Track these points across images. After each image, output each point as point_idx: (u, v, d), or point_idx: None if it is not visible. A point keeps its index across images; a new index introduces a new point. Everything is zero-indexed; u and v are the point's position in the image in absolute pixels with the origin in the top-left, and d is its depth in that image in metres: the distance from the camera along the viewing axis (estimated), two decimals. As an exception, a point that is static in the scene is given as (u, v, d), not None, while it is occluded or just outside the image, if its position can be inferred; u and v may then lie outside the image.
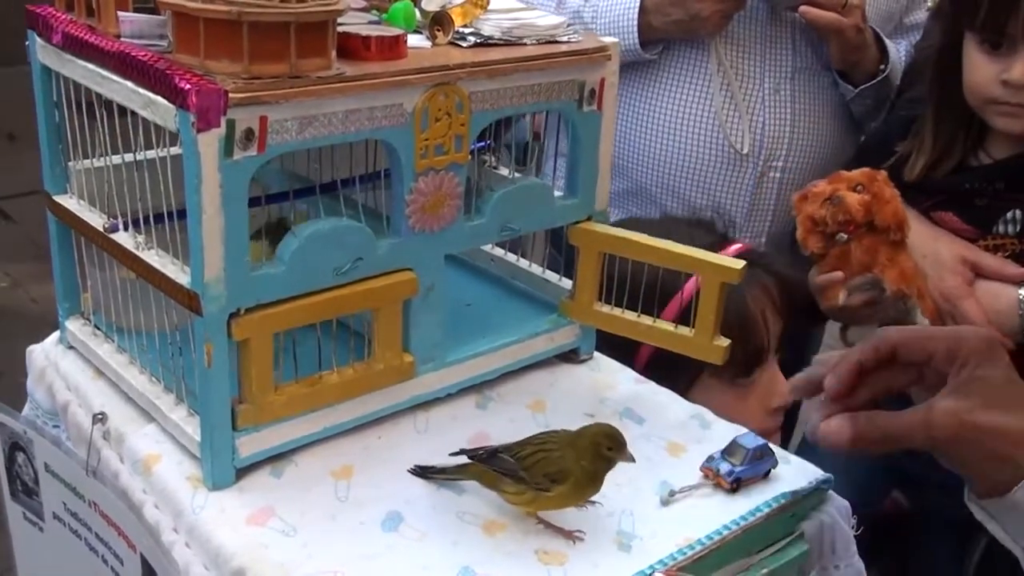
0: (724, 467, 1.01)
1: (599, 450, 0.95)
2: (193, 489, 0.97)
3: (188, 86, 0.84)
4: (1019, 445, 0.80)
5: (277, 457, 1.01)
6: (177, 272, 0.94)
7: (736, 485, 1.01)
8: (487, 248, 1.30)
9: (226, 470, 0.97)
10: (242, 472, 0.98)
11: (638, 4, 1.52)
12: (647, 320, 1.15)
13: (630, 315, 1.16)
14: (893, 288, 1.28)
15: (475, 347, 1.13)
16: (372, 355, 1.03)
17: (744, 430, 1.07)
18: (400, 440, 1.06)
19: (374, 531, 0.95)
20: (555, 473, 0.94)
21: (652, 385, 1.21)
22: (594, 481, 0.95)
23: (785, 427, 1.84)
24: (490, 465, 0.97)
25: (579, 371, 1.21)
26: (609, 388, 1.19)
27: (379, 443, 1.06)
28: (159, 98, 0.87)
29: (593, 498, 0.97)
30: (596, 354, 1.24)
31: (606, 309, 1.18)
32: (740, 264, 1.09)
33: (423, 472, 1.01)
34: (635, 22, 1.52)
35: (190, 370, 0.99)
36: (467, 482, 1.00)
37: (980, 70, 1.32)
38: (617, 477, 0.98)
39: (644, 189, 1.60)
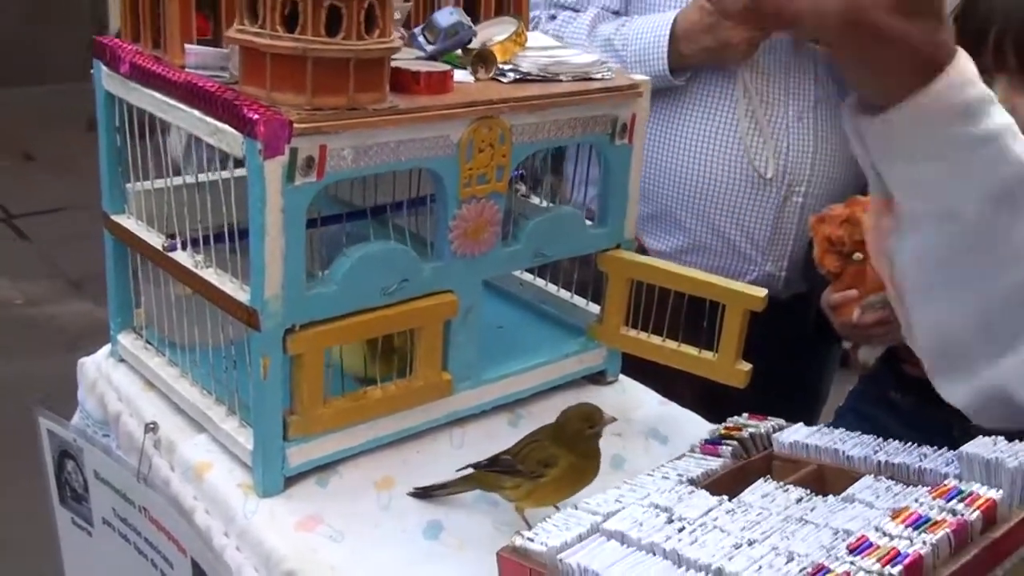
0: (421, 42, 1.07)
1: (582, 434, 1.01)
2: (244, 496, 1.02)
3: (256, 116, 0.90)
4: (906, 57, 0.75)
5: (322, 468, 1.06)
6: (236, 289, 0.99)
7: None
8: (516, 273, 1.36)
9: (276, 478, 1.02)
10: (290, 481, 1.03)
11: (668, 32, 1.58)
12: (672, 344, 1.21)
13: (655, 339, 1.22)
14: None
15: (508, 367, 1.18)
16: (413, 373, 1.09)
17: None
18: (437, 455, 1.12)
19: (416, 539, 1.00)
20: (547, 458, 1.00)
21: (675, 407, 1.26)
22: (589, 461, 1.01)
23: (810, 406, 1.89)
24: (490, 468, 1.03)
25: (606, 392, 1.27)
26: (634, 409, 1.25)
27: (418, 457, 1.11)
28: (226, 126, 0.93)
29: None
30: (621, 376, 1.30)
31: (632, 333, 1.23)
32: (762, 292, 1.15)
33: (424, 493, 1.06)
34: (665, 49, 1.58)
35: (243, 383, 1.04)
36: (496, 496, 1.05)
37: None
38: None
39: (669, 213, 1.66)
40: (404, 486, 1.06)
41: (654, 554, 0.79)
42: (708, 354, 1.18)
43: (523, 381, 1.20)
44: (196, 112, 0.97)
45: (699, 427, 1.22)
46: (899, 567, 0.70)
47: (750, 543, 0.78)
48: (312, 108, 0.93)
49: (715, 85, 1.62)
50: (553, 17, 1.74)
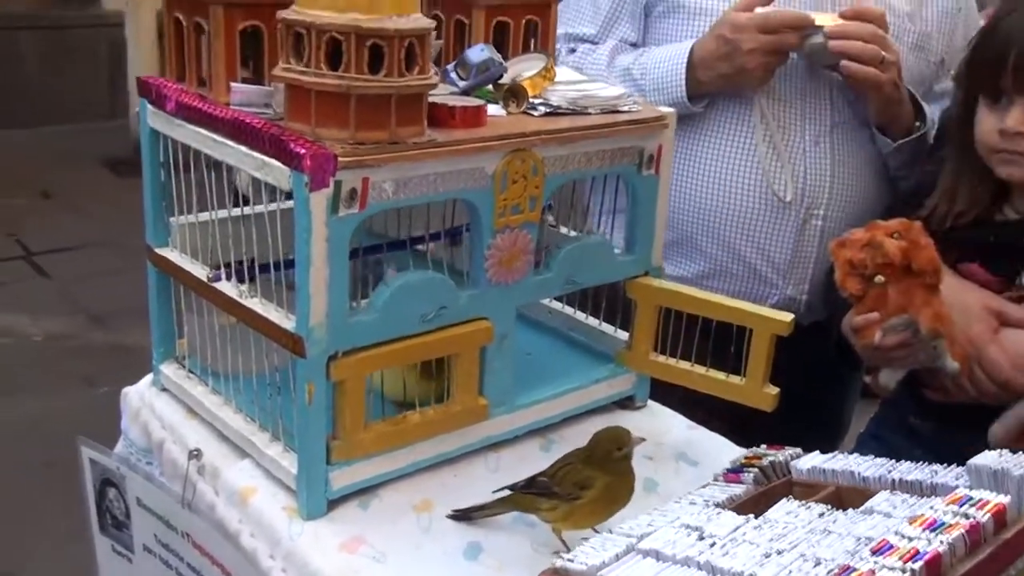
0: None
1: (611, 455, 1.04)
2: (288, 519, 1.05)
3: (303, 150, 0.94)
4: None
5: (363, 491, 1.09)
6: (281, 318, 1.03)
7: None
8: (545, 301, 1.39)
9: (320, 501, 1.05)
10: (333, 504, 1.06)
11: (686, 60, 1.62)
12: (700, 369, 1.24)
13: (684, 364, 1.25)
14: (928, 327, 1.35)
15: (540, 393, 1.21)
16: (450, 398, 1.12)
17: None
18: (474, 478, 1.14)
19: (457, 559, 1.03)
20: (583, 480, 1.03)
21: (704, 431, 1.29)
22: (623, 482, 1.03)
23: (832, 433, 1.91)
24: (527, 490, 1.06)
25: (635, 417, 1.30)
26: (664, 433, 1.27)
27: (455, 480, 1.14)
28: (274, 161, 0.97)
29: None
30: (650, 402, 1.33)
31: (661, 359, 1.26)
32: (789, 317, 1.18)
33: (463, 515, 1.08)
34: (683, 77, 1.62)
35: (286, 409, 1.07)
36: (533, 517, 1.07)
37: (983, 123, 1.45)
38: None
39: (690, 239, 1.69)
40: (443, 508, 1.09)
41: (688, 567, 0.82)
42: (736, 378, 1.21)
43: (555, 406, 1.23)
44: (243, 147, 1.01)
45: (728, 450, 1.25)
46: (920, 563, 0.73)
47: (779, 552, 0.82)
48: (355, 142, 0.97)
49: (732, 111, 1.66)
50: (573, 50, 1.78)
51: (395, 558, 1.01)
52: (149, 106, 1.16)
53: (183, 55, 1.13)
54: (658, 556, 0.85)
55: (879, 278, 1.34)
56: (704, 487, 1.04)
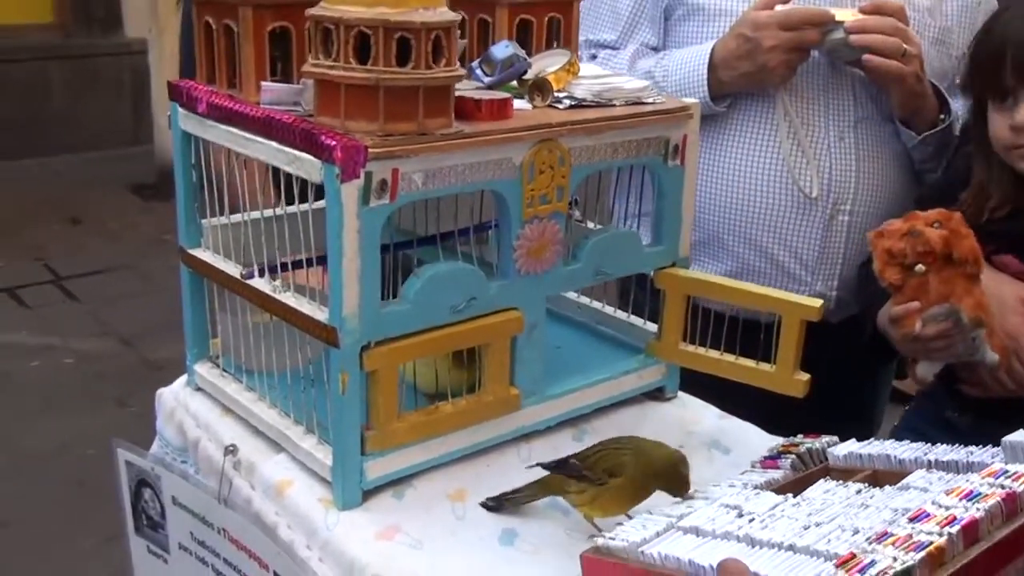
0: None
1: (653, 476, 1.02)
2: (325, 510, 1.06)
3: (334, 143, 0.96)
4: None
5: (397, 481, 1.10)
6: (314, 310, 1.04)
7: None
8: (573, 296, 1.40)
9: (355, 492, 1.06)
10: (368, 494, 1.07)
11: (707, 61, 1.63)
12: (729, 357, 1.24)
13: (713, 353, 1.25)
14: (970, 316, 1.34)
15: (572, 383, 1.22)
16: (482, 388, 1.13)
17: None
18: (507, 468, 1.15)
19: (493, 545, 1.03)
20: (612, 467, 1.03)
21: (735, 420, 1.29)
22: (646, 491, 1.03)
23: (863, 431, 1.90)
24: (559, 470, 1.06)
25: (666, 408, 1.30)
26: (695, 423, 1.28)
27: (488, 470, 1.14)
28: (305, 154, 0.99)
29: None
30: (680, 392, 1.33)
31: (691, 348, 1.26)
32: (818, 303, 1.18)
33: (497, 504, 1.09)
34: (705, 77, 1.63)
35: (320, 402, 1.08)
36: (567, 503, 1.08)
37: (994, 123, 1.47)
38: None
39: (717, 238, 1.70)
40: (477, 497, 1.10)
41: (727, 540, 0.83)
42: (766, 366, 1.21)
43: (586, 396, 1.23)
44: (274, 143, 1.03)
45: (760, 438, 1.25)
46: (957, 528, 0.73)
47: (817, 524, 0.82)
48: (384, 134, 0.98)
49: (755, 110, 1.67)
50: (594, 56, 1.80)
51: (431, 545, 1.02)
52: (180, 109, 1.18)
53: (213, 57, 1.15)
54: (698, 532, 0.86)
55: (920, 267, 1.34)
56: (743, 473, 1.05)
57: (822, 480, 0.94)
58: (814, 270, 1.69)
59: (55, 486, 3.25)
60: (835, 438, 1.11)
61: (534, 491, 1.08)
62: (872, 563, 0.71)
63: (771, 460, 1.06)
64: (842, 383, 1.66)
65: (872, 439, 1.09)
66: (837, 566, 0.72)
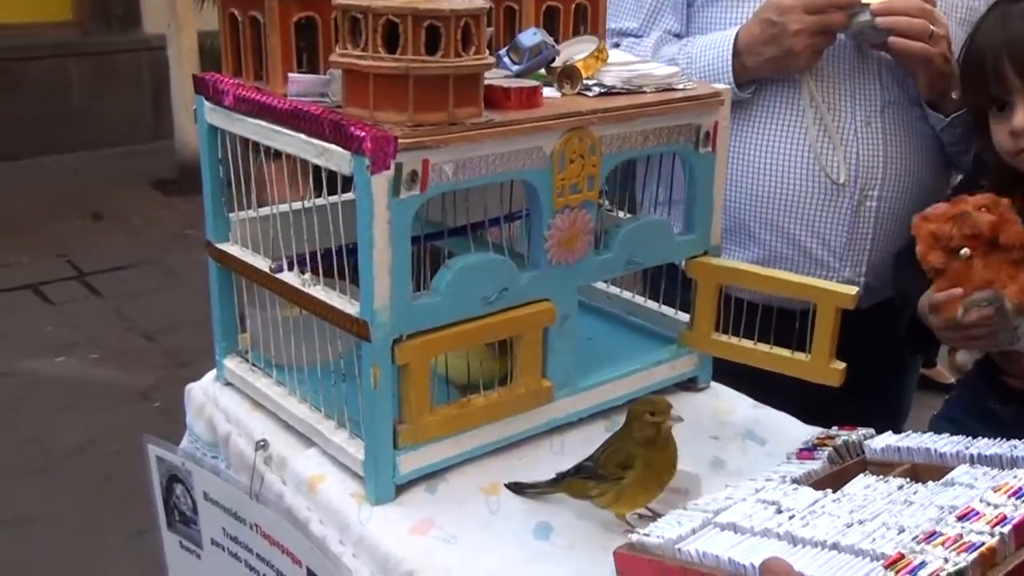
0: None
1: (642, 419, 1.02)
2: (358, 504, 1.05)
3: (363, 134, 0.94)
4: None
5: (429, 476, 1.09)
6: (344, 303, 1.03)
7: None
8: (603, 286, 1.39)
9: (387, 486, 1.05)
10: (400, 488, 1.06)
11: (731, 47, 1.61)
12: (764, 347, 1.22)
13: (747, 343, 1.23)
14: (1015, 301, 1.31)
15: (603, 375, 1.21)
16: (514, 380, 1.12)
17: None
18: (539, 461, 1.14)
19: (527, 539, 1.02)
20: (623, 460, 1.01)
21: (770, 409, 1.27)
22: (662, 455, 1.02)
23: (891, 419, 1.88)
24: (576, 476, 1.05)
25: (699, 398, 1.28)
26: (728, 413, 1.26)
27: (520, 463, 1.13)
28: (334, 146, 0.98)
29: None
30: (713, 383, 1.31)
31: (724, 338, 1.25)
32: (853, 291, 1.16)
33: (518, 489, 1.08)
34: (729, 63, 1.61)
35: (351, 397, 1.08)
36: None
37: (995, 131, 1.48)
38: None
39: (743, 226, 1.68)
40: (510, 492, 1.08)
41: (767, 537, 0.81)
42: (801, 355, 1.19)
43: (618, 388, 1.22)
44: (302, 135, 1.02)
45: (796, 428, 1.23)
46: (1008, 527, 0.71)
47: (860, 522, 0.81)
48: (414, 124, 0.97)
49: (781, 96, 1.64)
50: (616, 44, 1.77)
51: (466, 539, 1.01)
52: (206, 103, 1.17)
53: (239, 50, 1.14)
54: (736, 529, 0.84)
55: (965, 251, 1.32)
56: (779, 465, 1.03)
57: (861, 475, 0.92)
58: (842, 256, 1.66)
59: (82, 481, 3.27)
60: (871, 430, 1.09)
61: (555, 489, 1.07)
62: (922, 564, 0.70)
63: (807, 452, 1.05)
64: (870, 371, 1.64)
65: (909, 432, 1.07)
66: (886, 567, 0.70)
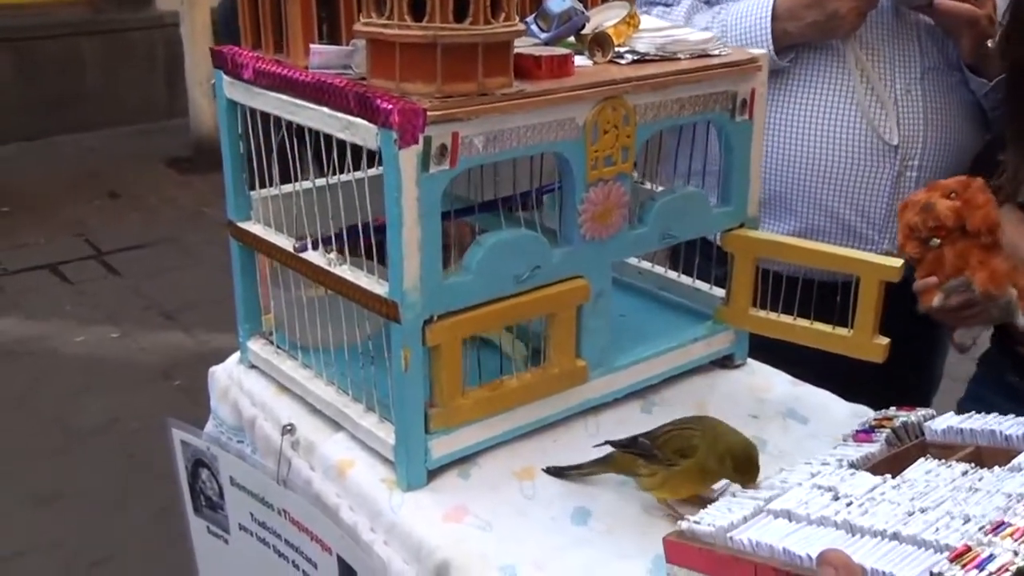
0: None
1: (723, 461, 0.97)
2: (389, 491, 1.02)
3: (390, 106, 0.90)
4: None
5: (462, 460, 1.05)
6: (372, 284, 0.99)
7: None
8: (633, 261, 1.34)
9: (419, 471, 1.02)
10: (432, 474, 1.03)
11: (770, 12, 1.55)
12: (804, 322, 1.18)
13: (786, 318, 1.19)
14: (980, 289, 1.33)
15: (638, 353, 1.17)
16: (547, 360, 1.08)
17: None
18: (574, 443, 1.10)
19: (565, 525, 0.99)
20: (685, 448, 0.98)
21: (809, 387, 1.23)
22: (716, 475, 0.98)
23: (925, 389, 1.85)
24: (628, 449, 1.01)
25: (736, 375, 1.25)
26: (766, 391, 1.22)
27: (555, 446, 1.10)
28: (359, 120, 0.94)
29: None
30: (749, 359, 1.27)
31: (762, 314, 1.21)
32: (899, 263, 1.12)
33: (559, 472, 1.05)
34: (768, 29, 1.55)
35: (380, 379, 1.04)
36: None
37: None
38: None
39: (779, 198, 1.63)
40: (545, 476, 1.05)
41: (824, 526, 0.77)
42: (843, 330, 1.15)
43: (653, 367, 1.18)
44: (326, 109, 0.98)
45: (837, 405, 1.20)
46: None
47: (922, 510, 0.76)
48: (443, 96, 0.93)
49: (823, 62, 1.59)
50: (647, 14, 1.72)
51: (501, 526, 0.98)
52: (225, 76, 1.13)
53: (258, 22, 1.10)
54: (790, 516, 0.80)
55: (934, 241, 1.32)
56: (835, 448, 0.98)
57: (922, 459, 0.87)
58: (881, 228, 1.62)
59: (105, 460, 3.27)
60: (931, 411, 1.03)
61: (601, 468, 1.04)
62: (991, 557, 0.65)
63: (864, 434, 1.00)
64: (903, 342, 1.60)
65: (972, 412, 1.03)
66: (951, 560, 0.66)
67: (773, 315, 1.20)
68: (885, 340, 1.14)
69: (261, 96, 1.07)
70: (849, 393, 1.24)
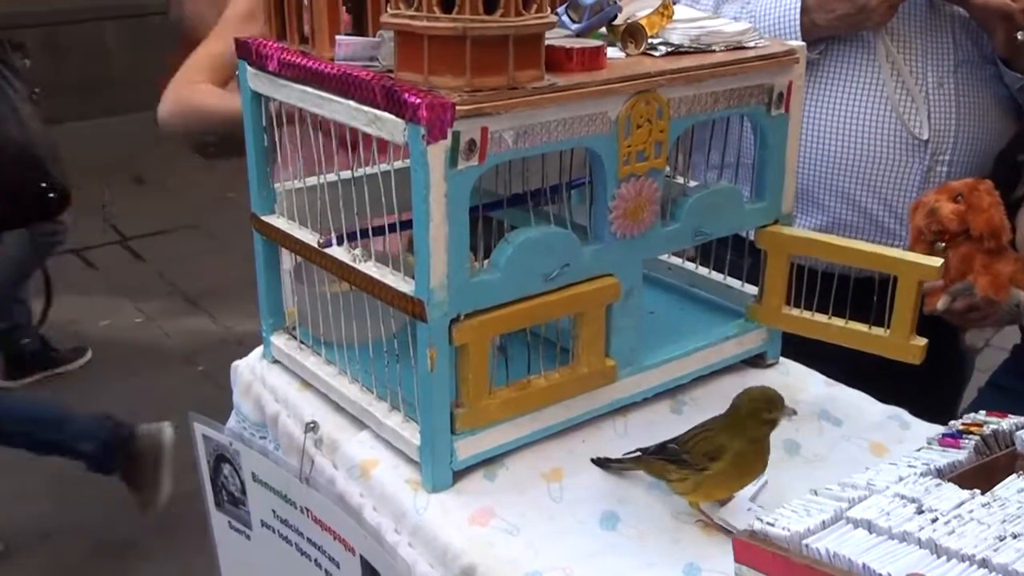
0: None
1: (759, 416, 0.96)
2: (413, 492, 1.00)
3: (418, 100, 0.88)
4: None
5: (488, 461, 1.03)
6: (398, 281, 0.97)
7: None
8: (662, 256, 1.32)
9: (445, 473, 1.00)
10: (458, 475, 1.01)
11: (799, 3, 1.52)
12: (839, 322, 1.15)
13: (820, 317, 1.16)
14: (982, 294, 1.33)
15: (668, 352, 1.14)
16: (576, 360, 1.06)
17: None
18: (602, 444, 1.08)
19: (594, 530, 0.97)
20: (712, 451, 0.95)
21: (843, 387, 1.20)
22: (756, 451, 0.96)
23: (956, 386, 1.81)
24: (657, 456, 0.99)
25: (768, 375, 1.22)
26: (800, 391, 1.19)
27: (583, 447, 1.07)
28: (386, 114, 0.92)
29: None
30: (782, 359, 1.25)
31: (795, 312, 1.18)
32: (938, 262, 1.09)
33: (604, 462, 1.04)
34: (797, 22, 1.52)
35: (406, 378, 1.02)
36: None
37: None
38: (826, 476, 0.98)
39: (807, 192, 1.60)
40: (573, 477, 1.03)
41: (907, 543, 0.73)
42: (879, 330, 1.12)
43: (684, 366, 1.15)
44: (352, 102, 0.96)
45: (871, 407, 1.17)
46: None
47: (1015, 536, 0.72)
48: (472, 90, 0.90)
49: (853, 55, 1.55)
50: (678, 3, 1.69)
51: (529, 530, 0.96)
52: (249, 68, 1.11)
53: (283, 12, 1.08)
54: (870, 527, 0.75)
55: (938, 244, 1.32)
56: (919, 450, 0.93)
57: (1015, 476, 0.82)
58: (908, 224, 1.58)
59: (130, 445, 3.28)
60: (1023, 420, 0.99)
61: (637, 466, 1.02)
62: None
63: (951, 439, 0.94)
64: (935, 338, 1.58)
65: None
66: None
67: (807, 314, 1.17)
68: (923, 341, 1.11)
69: (285, 88, 1.05)
70: (876, 388, 1.21)
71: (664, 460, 0.99)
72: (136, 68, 6.73)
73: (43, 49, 6.37)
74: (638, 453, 1.02)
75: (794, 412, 0.98)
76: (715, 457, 0.96)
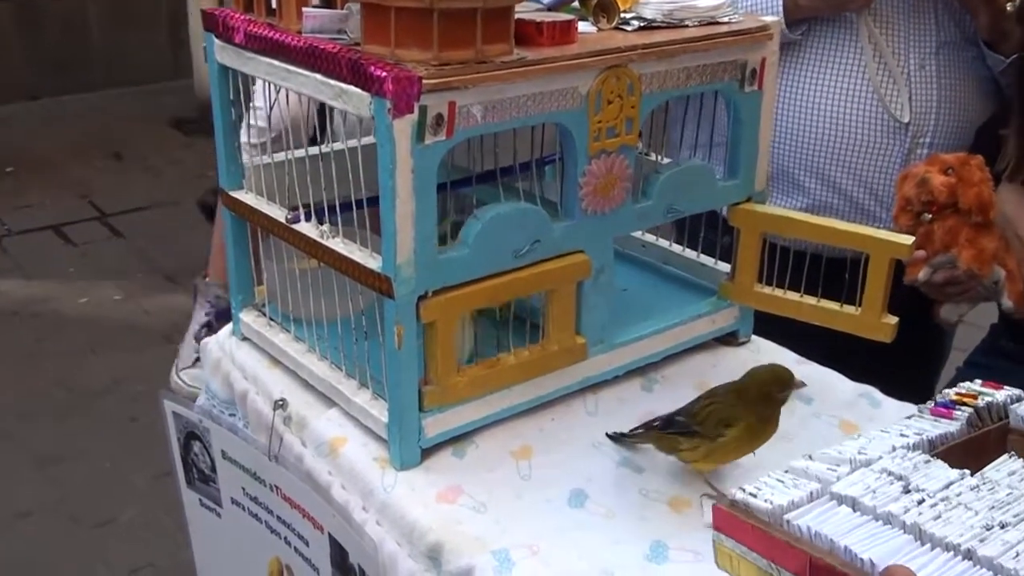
0: None
1: (770, 396, 0.97)
2: (381, 469, 0.99)
3: (384, 74, 0.87)
4: None
5: (458, 439, 1.03)
6: (366, 257, 0.96)
7: None
8: (636, 233, 1.31)
9: (413, 450, 0.99)
10: (426, 453, 1.01)
11: None
12: (810, 300, 1.15)
13: (792, 295, 1.16)
14: (964, 267, 1.32)
15: (640, 330, 1.14)
16: (546, 337, 1.05)
17: None
18: (573, 422, 1.08)
19: (562, 508, 0.96)
20: (728, 418, 0.96)
21: (814, 365, 1.20)
22: (768, 423, 0.97)
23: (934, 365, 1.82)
24: (667, 430, 0.99)
25: (740, 353, 1.22)
26: (771, 369, 1.19)
27: (553, 424, 1.07)
28: (352, 87, 0.90)
29: None
30: (754, 336, 1.24)
31: (767, 290, 1.17)
32: (909, 240, 1.09)
33: (619, 436, 1.04)
34: (779, 2, 1.51)
35: (374, 355, 1.01)
36: (646, 461, 1.01)
37: None
38: (796, 454, 0.97)
39: (787, 174, 1.59)
40: (542, 455, 1.03)
41: (891, 525, 0.71)
42: (851, 308, 1.12)
43: (655, 344, 1.15)
44: (318, 75, 0.94)
45: (842, 385, 1.17)
46: None
47: (1002, 526, 0.70)
48: (439, 63, 0.89)
49: (834, 36, 1.54)
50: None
51: (497, 508, 0.95)
52: (216, 40, 1.09)
53: (250, -17, 1.06)
54: (855, 505, 0.73)
55: (925, 215, 1.32)
56: (909, 418, 0.90)
57: (1006, 457, 0.80)
58: (890, 206, 1.57)
59: (107, 423, 3.26)
60: (1018, 392, 0.97)
61: (647, 439, 1.02)
62: None
63: (944, 409, 0.91)
64: (912, 317, 1.58)
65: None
66: None
67: (779, 292, 1.17)
68: (894, 319, 1.11)
69: (252, 61, 1.04)
70: (851, 367, 1.20)
71: (672, 434, 0.99)
72: (116, 43, 6.68)
73: (23, 23, 6.31)
74: (641, 431, 1.02)
75: (803, 384, 1.00)
76: (731, 424, 0.96)
